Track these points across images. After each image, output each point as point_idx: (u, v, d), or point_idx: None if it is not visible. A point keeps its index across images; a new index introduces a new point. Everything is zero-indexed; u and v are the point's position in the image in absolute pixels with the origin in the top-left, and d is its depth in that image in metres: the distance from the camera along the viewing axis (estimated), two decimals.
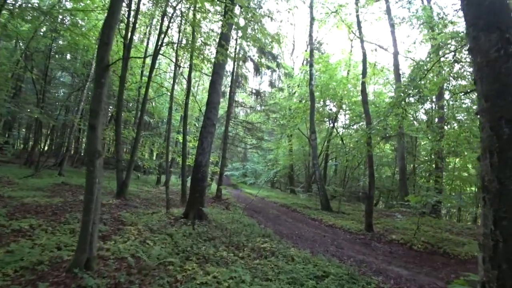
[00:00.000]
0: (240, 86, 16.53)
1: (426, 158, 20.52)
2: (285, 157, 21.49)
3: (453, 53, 8.84)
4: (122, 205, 9.90)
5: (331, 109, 18.54)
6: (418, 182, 19.63)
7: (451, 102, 10.22)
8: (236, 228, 7.38)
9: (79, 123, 16.64)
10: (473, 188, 17.77)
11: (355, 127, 23.28)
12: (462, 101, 10.11)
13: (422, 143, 21.45)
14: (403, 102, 7.27)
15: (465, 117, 11.89)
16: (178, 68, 12.69)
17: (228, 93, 14.87)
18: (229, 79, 15.40)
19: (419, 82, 6.63)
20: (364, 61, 9.30)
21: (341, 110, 19.12)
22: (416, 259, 6.23)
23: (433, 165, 13.69)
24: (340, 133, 20.43)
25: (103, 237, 6.03)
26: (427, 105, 20.58)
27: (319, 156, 18.53)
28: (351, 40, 22.13)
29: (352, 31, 16.99)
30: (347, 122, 20.56)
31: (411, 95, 6.85)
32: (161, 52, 12.34)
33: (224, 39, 8.74)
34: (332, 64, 15.39)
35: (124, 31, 11.78)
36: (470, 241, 7.62)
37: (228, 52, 14.65)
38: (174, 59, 13.02)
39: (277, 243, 6.16)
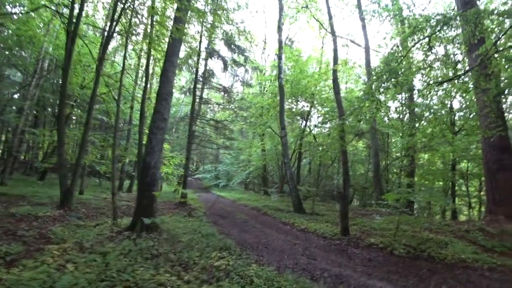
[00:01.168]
0: (206, 82, 15.23)
1: (398, 154, 20.26)
2: (258, 157, 20.39)
3: (427, 39, 8.15)
4: (61, 216, 8.33)
5: (303, 107, 17.68)
6: (391, 179, 19.26)
7: (425, 93, 9.55)
8: (191, 240, 6.13)
9: (24, 124, 14.63)
10: (441, 183, 17.62)
11: (328, 125, 22.70)
12: (436, 91, 9.49)
13: (393, 139, 21.23)
14: (377, 93, 6.40)
15: (438, 110, 11.43)
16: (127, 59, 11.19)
17: (192, 90, 13.53)
18: (198, 73, 14.05)
19: (395, 65, 5.77)
20: (335, 48, 8.37)
21: (313, 108, 18.32)
22: (399, 266, 5.28)
23: (406, 161, 13.17)
24: (314, 132, 19.69)
25: (10, 262, 4.62)
26: (397, 104, 20.40)
27: (292, 155, 17.62)
28: (323, 38, 21.58)
29: (323, 25, 16.30)
30: (320, 120, 19.83)
31: (386, 81, 5.98)
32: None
33: (178, 21, 7.51)
34: (302, 58, 14.44)
35: (67, 18, 10.11)
36: (452, 240, 6.84)
37: (193, 46, 13.40)
38: (130, 51, 11.55)
39: (236, 258, 4.98)
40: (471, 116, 16.12)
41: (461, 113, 17.24)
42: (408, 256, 5.78)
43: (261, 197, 17.84)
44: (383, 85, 5.94)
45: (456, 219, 16.59)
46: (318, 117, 18.79)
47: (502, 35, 7.86)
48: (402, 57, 7.72)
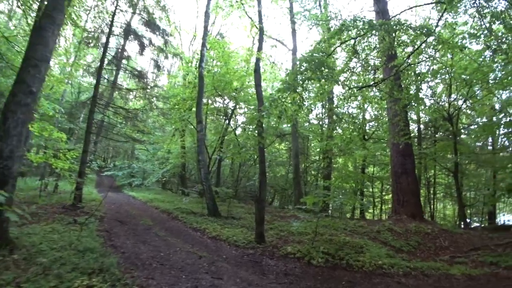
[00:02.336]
0: (118, 65, 12.93)
1: (317, 157, 20.96)
2: (177, 155, 18.53)
3: (353, 41, 7.97)
4: None
5: (227, 103, 16.63)
6: (310, 181, 19.73)
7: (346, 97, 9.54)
8: (54, 261, 4.38)
9: None
10: (353, 184, 18.82)
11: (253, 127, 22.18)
12: (356, 97, 9.56)
13: (313, 144, 21.96)
14: (300, 85, 5.73)
15: (356, 115, 11.75)
16: None
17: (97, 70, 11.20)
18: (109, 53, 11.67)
19: (323, 57, 5.15)
20: (261, 34, 7.52)
21: (238, 107, 17.47)
22: (317, 280, 4.58)
23: (324, 164, 13.34)
24: (238, 131, 18.91)
25: None
26: (319, 109, 21.16)
27: (212, 154, 16.42)
28: (253, 37, 21.02)
29: (254, 22, 15.60)
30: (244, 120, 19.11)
31: (311, 70, 5.32)
32: None
33: None
34: (230, 51, 13.37)
35: None
36: (367, 243, 6.63)
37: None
38: None
39: (110, 286, 3.55)
40: (382, 125, 17.55)
41: (372, 123, 18.74)
42: (326, 266, 5.17)
43: (178, 198, 16.13)
44: (306, 74, 5.26)
45: (363, 217, 17.84)
46: (241, 115, 18.05)
47: (414, 51, 8.16)
48: (328, 55, 7.33)
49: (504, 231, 11.74)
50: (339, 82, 6.84)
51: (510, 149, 16.30)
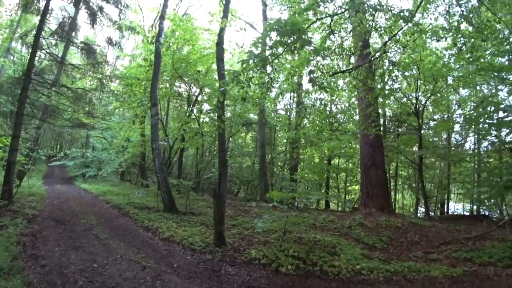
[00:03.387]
0: (65, 36, 11.00)
1: (284, 148, 20.35)
2: (135, 143, 16.79)
3: (330, 19, 7.14)
4: None
5: (189, 88, 15.17)
6: (276, 172, 19.08)
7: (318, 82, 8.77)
8: None
9: None
10: (316, 177, 18.54)
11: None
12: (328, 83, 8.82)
13: (280, 134, 21.31)
14: (270, 58, 4.74)
15: (326, 104, 11.10)
16: None
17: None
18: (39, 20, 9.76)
19: (297, 22, 4.18)
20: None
21: (202, 92, 16.10)
22: None
23: (292, 154, 12.63)
24: (202, 119, 17.57)
25: None
26: (287, 100, 20.46)
27: (173, 144, 15.02)
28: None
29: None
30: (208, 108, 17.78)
31: (282, 35, 4.31)
32: None
33: None
34: (194, 28, 11.86)
35: None
36: (340, 241, 5.94)
37: None
38: None
39: None
40: (350, 118, 17.30)
41: (339, 115, 18.47)
42: (297, 274, 4.33)
43: (136, 190, 14.55)
44: (276, 46, 4.27)
45: (328, 207, 17.65)
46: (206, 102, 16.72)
47: (391, 38, 7.54)
48: (308, 26, 6.41)
49: (456, 220, 12.09)
50: (314, 59, 5.96)
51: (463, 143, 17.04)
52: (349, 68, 7.87)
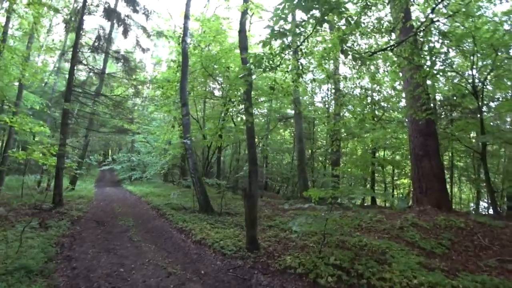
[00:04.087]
0: (99, 48, 11.40)
1: (324, 142, 19.29)
2: (175, 145, 17.09)
3: None
4: None
5: (223, 88, 14.93)
6: (317, 168, 18.14)
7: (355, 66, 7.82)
8: None
9: None
10: (360, 171, 17.14)
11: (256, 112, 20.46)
12: (367, 65, 7.83)
13: (319, 128, 20.24)
14: (296, 35, 4.06)
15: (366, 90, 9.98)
16: None
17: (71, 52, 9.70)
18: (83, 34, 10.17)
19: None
20: None
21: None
22: None
23: (333, 148, 11.68)
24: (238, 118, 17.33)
25: None
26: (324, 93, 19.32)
27: (210, 144, 14.90)
28: (250, 17, 19.10)
29: None
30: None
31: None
32: None
33: None
34: (221, 25, 11.50)
35: None
36: (390, 245, 5.05)
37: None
38: None
39: None
40: (394, 105, 15.71)
41: (382, 103, 16.87)
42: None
43: (175, 190, 14.74)
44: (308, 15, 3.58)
45: (375, 203, 16.23)
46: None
47: (440, 2, 6.37)
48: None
49: None
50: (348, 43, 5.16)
51: None
52: (390, 44, 6.84)
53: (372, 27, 7.15)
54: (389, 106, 16.63)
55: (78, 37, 9.91)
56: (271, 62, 4.16)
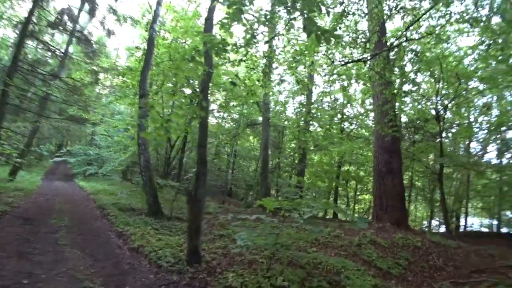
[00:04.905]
0: (59, 25, 10.23)
1: (291, 153, 19.06)
2: (137, 141, 15.87)
3: None
4: None
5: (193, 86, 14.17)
6: (283, 176, 17.81)
7: (328, 73, 7.56)
8: None
9: None
10: (323, 183, 17.10)
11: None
12: (339, 76, 7.61)
13: (288, 138, 20.04)
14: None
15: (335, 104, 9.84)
16: None
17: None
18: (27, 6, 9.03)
19: None
20: None
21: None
22: None
23: (298, 155, 11.37)
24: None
25: None
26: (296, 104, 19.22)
27: (175, 142, 14.07)
28: None
29: None
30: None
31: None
32: None
33: None
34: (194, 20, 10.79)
35: None
36: (346, 264, 4.59)
37: None
38: None
39: None
40: (362, 121, 15.87)
41: (350, 119, 17.05)
42: None
43: (128, 190, 13.59)
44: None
45: (336, 217, 16.13)
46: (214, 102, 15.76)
47: (415, 21, 6.30)
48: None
49: (477, 237, 10.49)
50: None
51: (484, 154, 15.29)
52: (364, 56, 6.65)
53: (348, 38, 6.95)
54: (357, 122, 16.86)
55: (35, 6, 8.77)
56: (233, 48, 3.65)
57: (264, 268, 3.89)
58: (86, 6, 10.96)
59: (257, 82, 5.17)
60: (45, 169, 22.46)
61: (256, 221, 4.87)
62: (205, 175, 4.15)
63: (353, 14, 6.57)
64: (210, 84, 5.67)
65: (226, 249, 4.89)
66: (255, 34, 3.72)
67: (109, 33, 11.35)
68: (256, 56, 4.83)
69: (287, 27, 4.32)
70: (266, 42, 4.63)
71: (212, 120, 19.70)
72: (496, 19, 7.94)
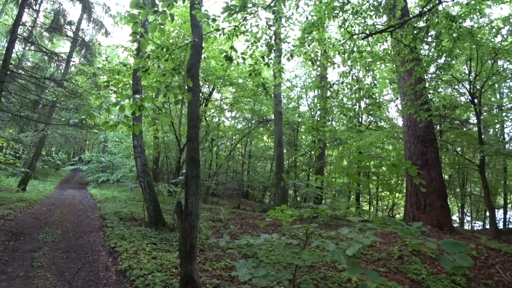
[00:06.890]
0: (52, 27, 9.59)
1: (307, 149, 17.83)
2: (148, 145, 15.21)
3: None
4: None
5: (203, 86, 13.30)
6: (301, 175, 16.65)
7: (345, 49, 6.38)
8: None
9: None
10: (346, 180, 15.76)
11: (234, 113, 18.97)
12: (360, 54, 6.41)
13: (304, 136, 18.81)
14: None
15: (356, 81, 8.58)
16: None
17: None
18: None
19: None
20: None
21: (215, 90, 14.30)
22: None
23: (316, 151, 10.18)
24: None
25: None
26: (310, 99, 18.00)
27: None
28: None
29: None
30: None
31: None
32: None
33: None
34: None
35: None
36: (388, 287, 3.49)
37: None
38: None
39: None
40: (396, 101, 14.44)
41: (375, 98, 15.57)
42: None
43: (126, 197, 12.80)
44: None
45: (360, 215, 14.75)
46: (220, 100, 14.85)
47: None
48: None
49: None
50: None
51: None
52: (389, 25, 5.44)
53: (367, 4, 5.75)
54: (384, 108, 15.35)
55: (23, 6, 8.13)
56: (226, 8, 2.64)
57: None
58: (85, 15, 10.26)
59: (260, 59, 4.11)
60: (61, 178, 22.30)
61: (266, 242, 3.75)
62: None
63: None
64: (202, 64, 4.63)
65: (233, 270, 3.84)
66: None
67: (106, 32, 10.62)
68: (257, 27, 3.78)
69: None
70: (267, 6, 3.57)
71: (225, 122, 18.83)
72: None
